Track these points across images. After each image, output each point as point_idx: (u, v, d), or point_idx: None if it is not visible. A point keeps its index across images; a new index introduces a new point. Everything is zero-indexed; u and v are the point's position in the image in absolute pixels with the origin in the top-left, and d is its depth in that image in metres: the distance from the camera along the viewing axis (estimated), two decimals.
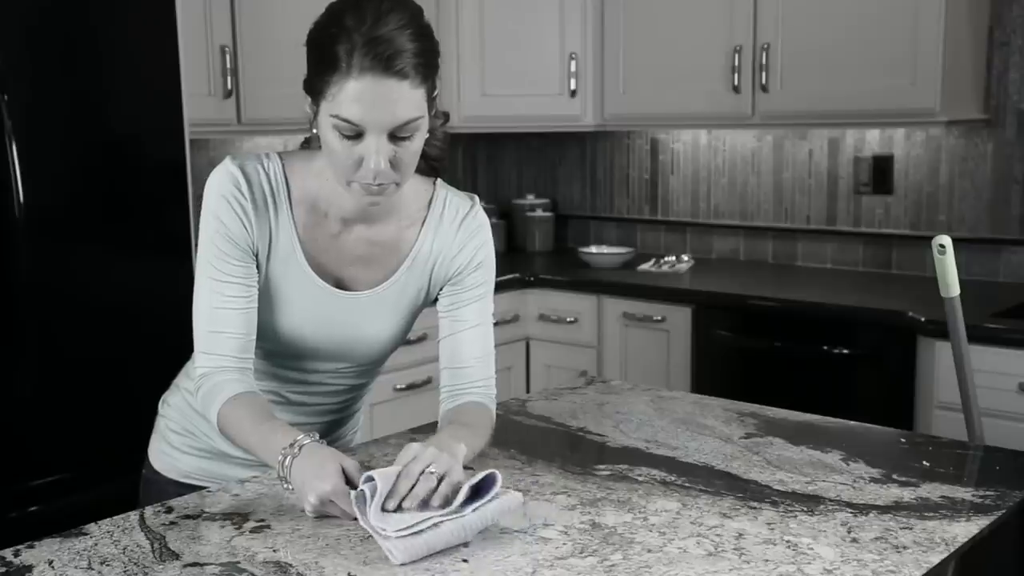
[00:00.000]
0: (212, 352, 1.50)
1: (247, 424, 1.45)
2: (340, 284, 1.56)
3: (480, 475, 1.32)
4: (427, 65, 1.40)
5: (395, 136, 1.39)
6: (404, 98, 1.38)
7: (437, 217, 1.60)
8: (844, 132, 3.53)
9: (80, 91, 2.44)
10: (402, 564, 1.22)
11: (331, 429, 1.70)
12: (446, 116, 1.57)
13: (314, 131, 1.46)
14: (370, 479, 1.29)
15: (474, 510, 1.29)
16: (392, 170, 1.41)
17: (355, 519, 1.30)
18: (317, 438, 1.39)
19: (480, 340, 1.62)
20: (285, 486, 1.37)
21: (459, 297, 1.62)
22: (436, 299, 1.64)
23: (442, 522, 1.26)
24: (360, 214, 1.53)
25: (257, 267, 1.52)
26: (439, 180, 1.62)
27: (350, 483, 1.33)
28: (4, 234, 2.29)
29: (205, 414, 1.50)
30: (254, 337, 1.52)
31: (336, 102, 1.37)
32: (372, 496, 1.27)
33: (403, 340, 1.66)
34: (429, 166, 1.57)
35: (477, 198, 1.65)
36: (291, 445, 1.36)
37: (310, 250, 1.54)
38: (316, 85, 1.40)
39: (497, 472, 1.34)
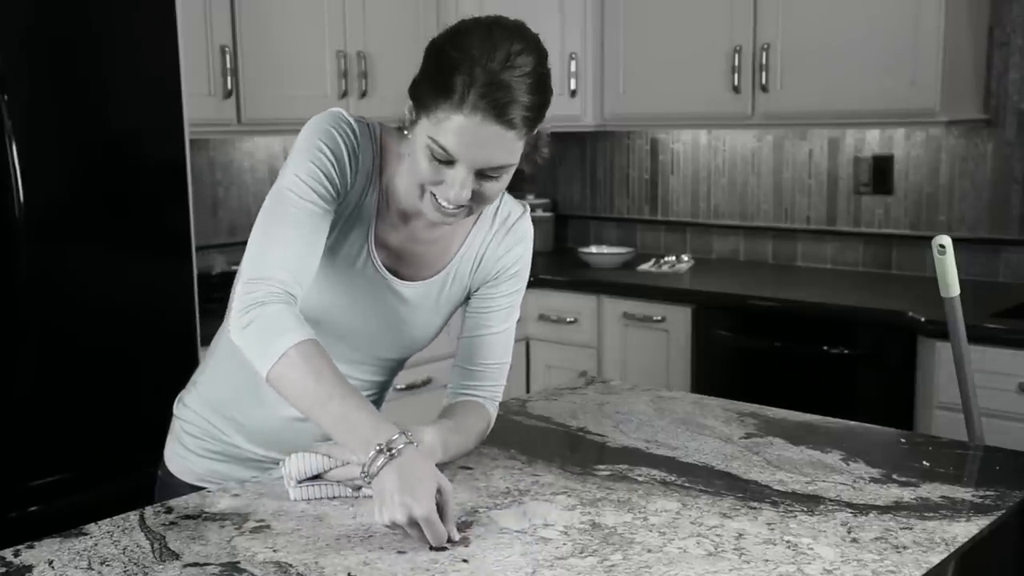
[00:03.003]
0: (263, 274, 1.38)
1: (334, 388, 1.33)
2: (391, 272, 1.54)
3: None
4: (536, 118, 1.38)
5: (483, 173, 1.37)
6: (505, 146, 1.35)
7: (490, 216, 1.60)
8: (844, 132, 3.53)
9: (80, 91, 2.44)
10: (294, 499, 1.43)
11: None
12: (548, 137, 1.51)
13: (406, 132, 1.42)
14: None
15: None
16: (470, 200, 1.39)
17: (432, 548, 1.26)
18: (411, 439, 1.32)
19: (499, 347, 1.62)
20: (364, 481, 1.30)
21: (490, 302, 1.61)
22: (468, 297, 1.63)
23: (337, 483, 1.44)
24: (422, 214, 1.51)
25: (333, 224, 1.46)
26: None
27: (439, 508, 1.28)
28: (4, 234, 2.29)
29: (260, 348, 1.35)
30: (310, 278, 1.42)
31: (439, 128, 1.34)
32: (306, 467, 1.44)
33: (434, 338, 1.65)
34: (514, 180, 1.54)
35: (528, 207, 1.65)
36: (388, 443, 1.29)
37: (377, 233, 1.52)
38: (424, 101, 1.36)
39: None
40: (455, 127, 1.32)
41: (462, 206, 1.40)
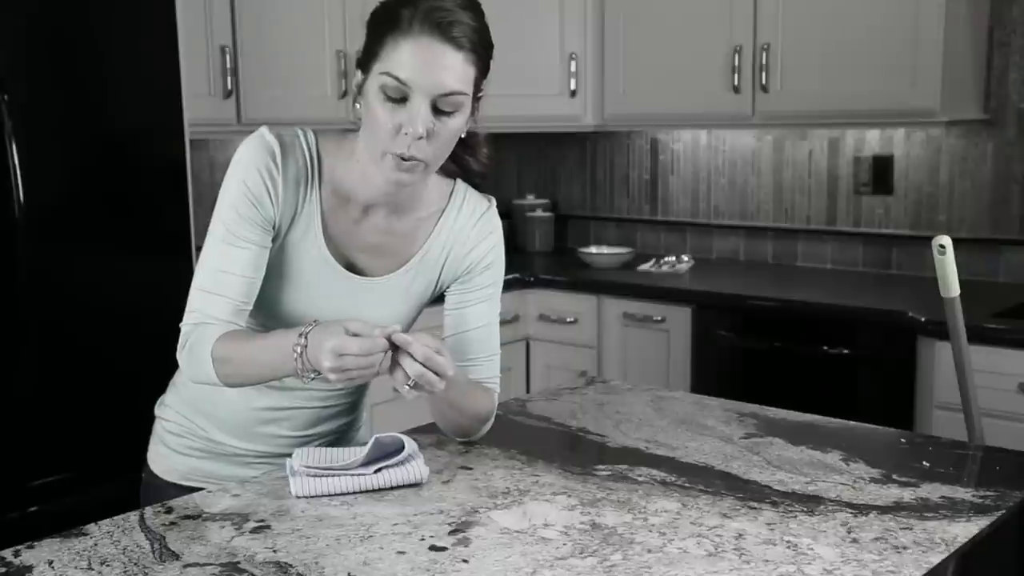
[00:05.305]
0: (203, 311, 1.49)
1: (248, 343, 1.45)
2: (352, 269, 1.56)
3: (387, 436, 1.48)
4: (482, 45, 1.44)
5: (438, 108, 1.41)
6: (455, 68, 1.40)
7: (455, 213, 1.62)
8: (844, 132, 3.53)
9: (80, 91, 2.44)
10: (296, 496, 1.44)
11: (335, 429, 1.70)
12: (487, 137, 1.59)
13: (357, 106, 1.47)
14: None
15: (376, 471, 1.46)
16: (427, 144, 1.42)
17: (377, 357, 1.35)
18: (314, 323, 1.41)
19: (486, 339, 1.63)
20: (305, 376, 1.39)
21: (467, 296, 1.63)
22: (443, 296, 1.65)
23: (343, 475, 1.45)
24: (383, 199, 1.53)
25: (273, 240, 1.51)
26: (459, 179, 1.63)
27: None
28: (4, 234, 2.29)
29: (198, 361, 1.48)
30: (250, 307, 1.51)
31: (389, 60, 1.39)
32: (311, 458, 1.48)
33: (409, 327, 1.65)
34: (472, 181, 1.63)
35: (494, 200, 1.67)
36: (301, 335, 1.38)
37: (330, 231, 1.54)
38: (372, 48, 1.42)
39: (406, 438, 1.49)
40: (405, 54, 1.39)
41: (419, 160, 1.43)
